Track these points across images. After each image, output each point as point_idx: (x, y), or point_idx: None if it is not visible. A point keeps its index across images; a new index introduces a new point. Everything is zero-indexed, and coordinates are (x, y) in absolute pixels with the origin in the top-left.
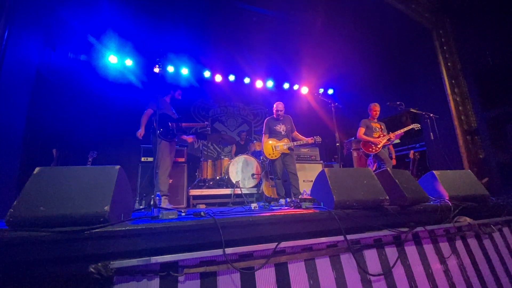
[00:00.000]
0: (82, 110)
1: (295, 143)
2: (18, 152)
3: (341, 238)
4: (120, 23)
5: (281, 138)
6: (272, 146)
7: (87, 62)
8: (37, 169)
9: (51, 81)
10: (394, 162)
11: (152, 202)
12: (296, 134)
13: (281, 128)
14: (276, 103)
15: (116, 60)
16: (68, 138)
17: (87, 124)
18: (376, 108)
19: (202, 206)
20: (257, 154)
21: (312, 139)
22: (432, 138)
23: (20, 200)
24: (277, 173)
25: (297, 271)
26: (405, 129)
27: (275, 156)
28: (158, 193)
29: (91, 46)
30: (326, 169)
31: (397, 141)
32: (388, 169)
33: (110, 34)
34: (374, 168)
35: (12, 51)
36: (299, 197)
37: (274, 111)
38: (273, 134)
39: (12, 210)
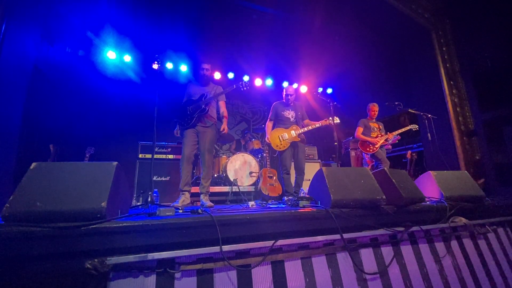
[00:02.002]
0: (80, 105)
1: (305, 129)
2: (15, 147)
3: (337, 236)
4: (119, 18)
5: (289, 126)
6: (279, 136)
7: (85, 57)
8: (33, 164)
9: (49, 76)
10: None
11: (149, 199)
12: (308, 121)
13: (289, 114)
14: (286, 86)
15: (115, 56)
16: (66, 134)
17: (85, 119)
18: (374, 108)
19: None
20: (256, 152)
21: (326, 120)
22: (430, 138)
23: (17, 195)
24: (286, 166)
25: (293, 269)
26: (403, 129)
27: (284, 146)
28: (155, 189)
29: (89, 41)
30: (323, 168)
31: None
32: (386, 169)
33: (108, 29)
34: (369, 168)
35: (9, 45)
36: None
37: (283, 95)
38: (280, 121)
39: (8, 205)
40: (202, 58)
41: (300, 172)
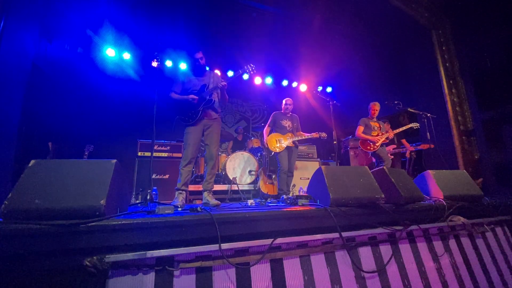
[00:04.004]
0: (79, 103)
1: (299, 137)
2: (13, 144)
3: (336, 235)
4: (118, 16)
5: (286, 133)
6: (276, 139)
7: (84, 55)
8: (32, 162)
9: (48, 74)
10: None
11: (148, 197)
12: (300, 133)
13: (287, 123)
14: (285, 99)
15: (114, 54)
16: (64, 131)
17: (84, 117)
18: (375, 107)
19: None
20: (255, 151)
21: (317, 133)
22: (429, 137)
23: (15, 193)
24: (283, 165)
25: (292, 267)
26: (404, 127)
27: (280, 149)
28: (154, 188)
29: (88, 39)
30: (323, 167)
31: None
32: (385, 167)
33: (107, 27)
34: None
35: (7, 42)
36: (294, 194)
37: (283, 106)
38: (278, 128)
39: (6, 203)
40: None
41: (290, 174)
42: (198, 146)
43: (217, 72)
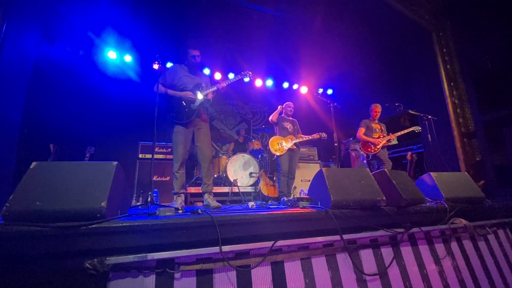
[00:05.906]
0: (80, 105)
1: (300, 139)
2: (15, 146)
3: (337, 237)
4: (120, 19)
5: (287, 135)
6: (278, 142)
7: (85, 57)
8: (33, 164)
9: (49, 75)
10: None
11: (149, 199)
12: (301, 135)
13: (288, 125)
14: (287, 102)
15: (115, 56)
16: (66, 133)
17: (85, 119)
18: (377, 109)
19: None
20: (256, 153)
21: (317, 134)
22: (430, 140)
23: (16, 195)
24: (283, 168)
25: (293, 270)
26: (406, 131)
27: (281, 152)
28: (155, 190)
29: (90, 41)
30: (324, 169)
31: (395, 142)
32: (386, 169)
33: (109, 29)
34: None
35: (10, 44)
36: (295, 196)
37: (285, 108)
38: (280, 129)
39: (8, 205)
40: (203, 58)
41: (291, 177)
42: (190, 146)
43: (208, 79)
